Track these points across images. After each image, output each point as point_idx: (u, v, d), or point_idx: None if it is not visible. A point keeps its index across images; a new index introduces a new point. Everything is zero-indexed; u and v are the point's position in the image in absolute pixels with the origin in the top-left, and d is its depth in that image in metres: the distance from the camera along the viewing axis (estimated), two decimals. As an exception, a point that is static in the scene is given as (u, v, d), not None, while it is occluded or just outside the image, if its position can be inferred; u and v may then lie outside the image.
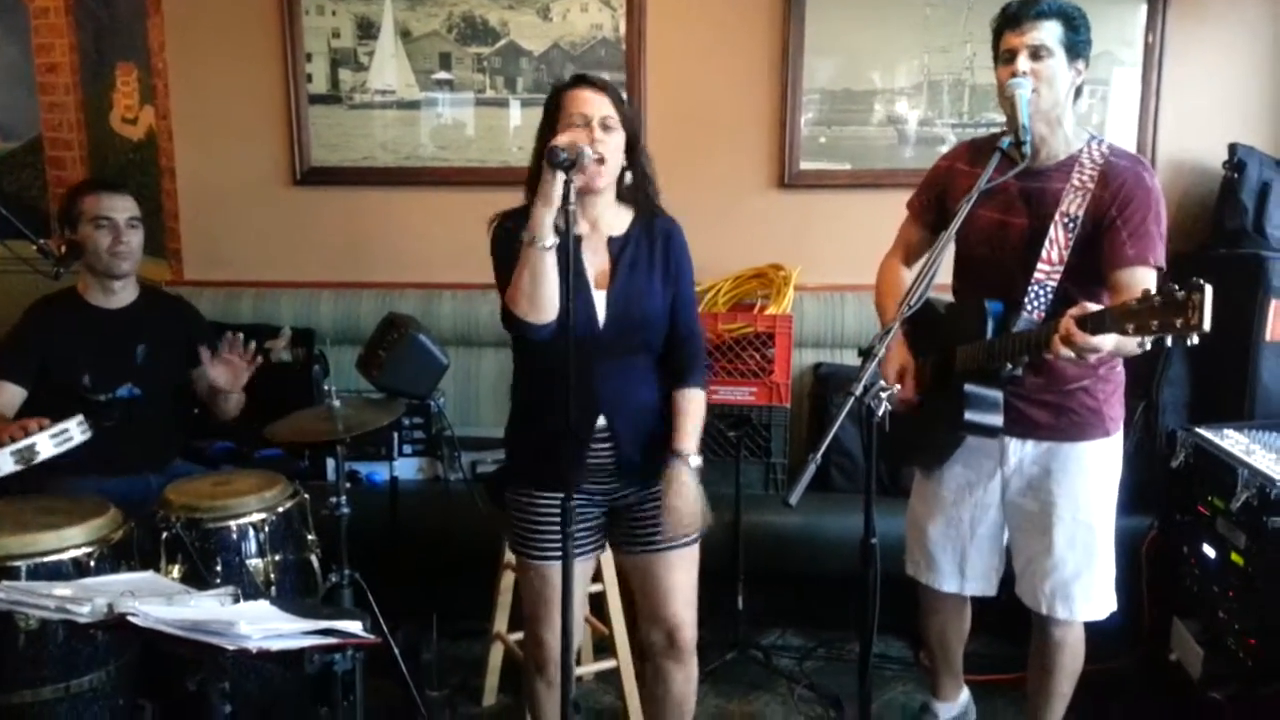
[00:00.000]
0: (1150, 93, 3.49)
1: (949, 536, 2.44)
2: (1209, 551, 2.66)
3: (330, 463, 3.23)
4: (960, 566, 2.45)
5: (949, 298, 2.44)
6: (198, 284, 3.84)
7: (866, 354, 1.85)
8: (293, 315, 3.71)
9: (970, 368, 2.18)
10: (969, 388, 2.18)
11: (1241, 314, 3.00)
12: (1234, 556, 2.54)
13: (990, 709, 2.84)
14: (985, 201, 2.20)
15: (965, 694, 2.71)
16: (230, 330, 2.82)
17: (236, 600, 1.87)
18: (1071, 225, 2.15)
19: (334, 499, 2.61)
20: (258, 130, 3.81)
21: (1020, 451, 2.32)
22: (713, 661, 3.12)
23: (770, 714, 2.96)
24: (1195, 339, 1.58)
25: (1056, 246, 2.15)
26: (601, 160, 2.05)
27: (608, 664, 2.84)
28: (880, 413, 1.78)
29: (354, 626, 1.81)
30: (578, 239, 2.07)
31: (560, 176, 1.86)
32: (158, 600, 1.75)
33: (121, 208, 2.76)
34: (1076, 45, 2.14)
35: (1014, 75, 2.11)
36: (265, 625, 1.71)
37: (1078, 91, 2.22)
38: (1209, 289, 1.55)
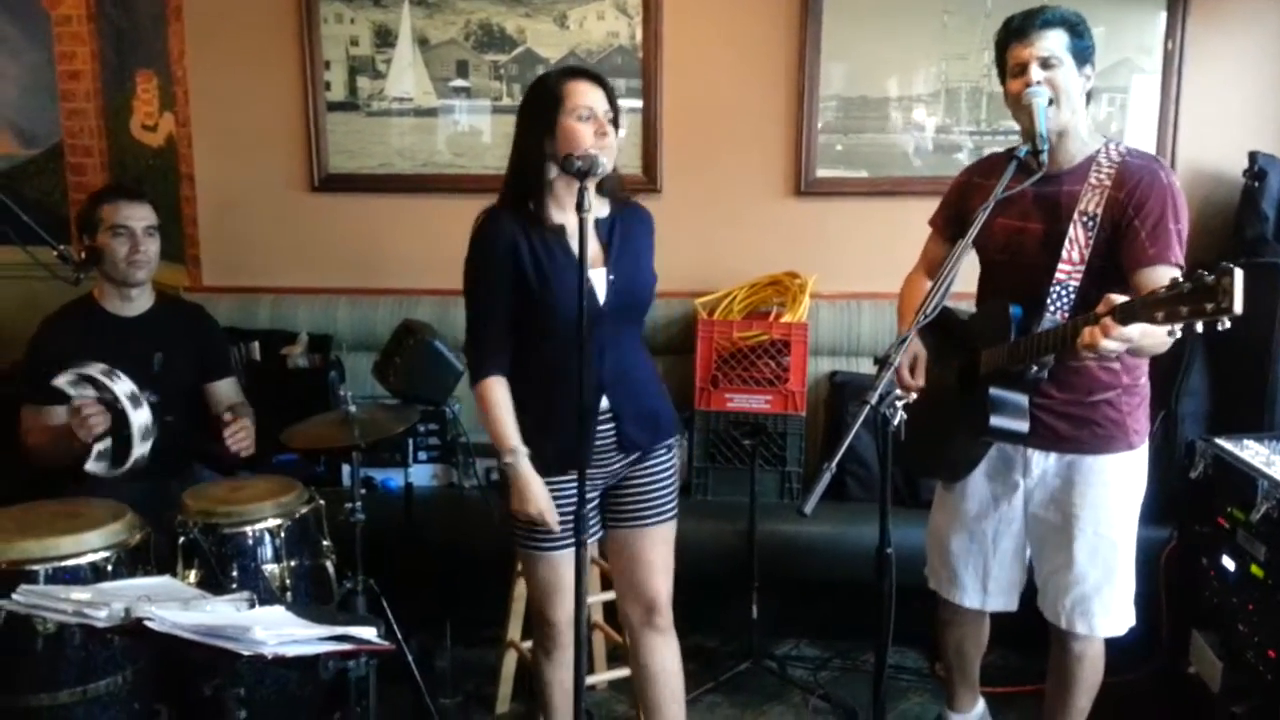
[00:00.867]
0: (1170, 100, 3.47)
1: (971, 551, 2.42)
2: (1228, 564, 2.63)
3: (346, 469, 3.23)
4: (983, 582, 2.43)
5: (971, 309, 2.43)
6: (216, 290, 3.86)
7: (882, 362, 1.85)
8: (309, 321, 3.73)
9: (995, 370, 2.16)
10: (994, 391, 2.16)
11: (1262, 324, 2.97)
12: (1254, 569, 2.51)
13: (1006, 721, 2.83)
14: (1003, 210, 2.20)
15: (981, 705, 2.69)
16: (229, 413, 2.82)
17: (252, 605, 1.87)
18: (1090, 224, 2.14)
19: (349, 505, 2.61)
20: (276, 137, 3.83)
21: (1043, 464, 2.30)
22: (726, 671, 3.11)
23: (784, 724, 2.95)
24: (1227, 323, 1.57)
25: (1077, 246, 2.14)
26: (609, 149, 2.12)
27: (621, 673, 2.84)
28: (895, 421, 1.78)
29: (368, 633, 1.81)
30: (562, 227, 2.17)
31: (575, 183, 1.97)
32: (174, 605, 1.75)
33: (139, 216, 2.77)
34: (1083, 51, 2.15)
35: (1028, 86, 2.11)
36: (280, 631, 1.71)
37: (1089, 97, 2.22)
38: (1239, 272, 1.54)
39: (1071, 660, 2.36)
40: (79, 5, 4.31)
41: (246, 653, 1.66)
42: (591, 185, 1.98)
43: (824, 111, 3.62)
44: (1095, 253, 2.14)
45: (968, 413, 2.24)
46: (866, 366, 3.55)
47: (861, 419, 1.75)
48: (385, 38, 3.76)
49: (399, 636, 2.55)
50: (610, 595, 2.88)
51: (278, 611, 1.87)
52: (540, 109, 2.13)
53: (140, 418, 2.49)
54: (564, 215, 2.18)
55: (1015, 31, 2.17)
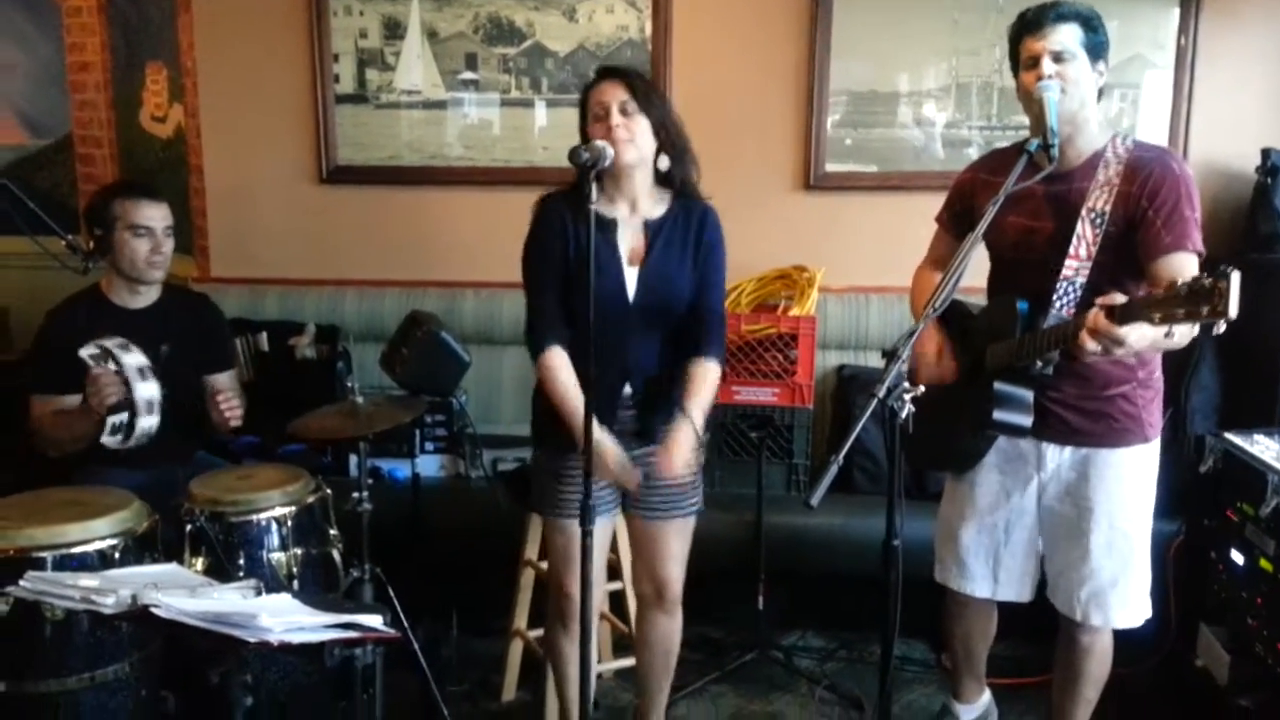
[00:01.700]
0: (1182, 96, 3.46)
1: (981, 542, 2.42)
2: (1237, 557, 2.63)
3: (353, 459, 3.24)
4: (994, 571, 2.43)
5: (981, 301, 2.42)
6: (224, 281, 3.87)
7: (890, 356, 1.84)
8: (317, 312, 3.73)
9: (1000, 365, 2.17)
10: (999, 386, 2.16)
11: (1273, 319, 2.96)
12: (1263, 563, 2.50)
13: (1012, 711, 2.82)
14: (1013, 207, 2.19)
15: (987, 696, 2.69)
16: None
17: (259, 593, 1.88)
18: (1099, 221, 2.13)
19: (356, 495, 2.62)
20: (285, 129, 3.83)
21: (1058, 457, 2.30)
22: (733, 661, 3.11)
23: (790, 714, 2.95)
24: (1222, 327, 1.57)
25: (1084, 242, 2.14)
26: (624, 140, 2.16)
27: (627, 662, 2.84)
28: (903, 415, 1.77)
29: (375, 621, 1.82)
30: (612, 222, 2.25)
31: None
32: (181, 592, 1.75)
33: (160, 217, 2.78)
34: (1096, 47, 2.15)
35: (1039, 79, 2.11)
36: (287, 618, 1.71)
37: (1100, 93, 2.21)
38: (1236, 275, 1.54)
39: (1080, 652, 2.35)
40: (89, -4, 4.32)
41: (253, 640, 1.66)
42: (612, 177, 2.10)
43: (834, 106, 3.60)
44: (1103, 249, 2.14)
45: (972, 406, 2.24)
46: (874, 360, 3.55)
47: (870, 411, 1.75)
48: (394, 30, 3.76)
49: (405, 625, 2.56)
50: (617, 585, 2.89)
51: (284, 599, 1.88)
52: (581, 113, 2.28)
53: (145, 391, 2.55)
54: (614, 209, 2.28)
55: (1029, 24, 2.17)
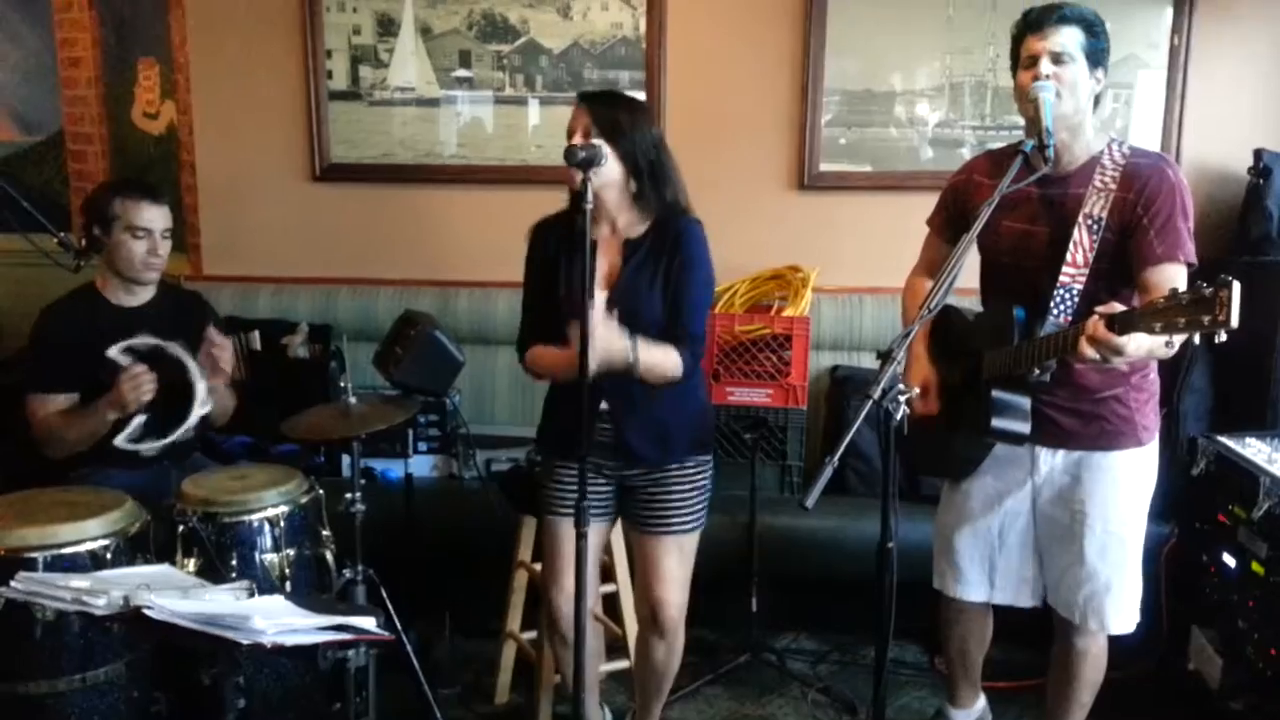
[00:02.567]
0: (1175, 96, 3.46)
1: (976, 546, 2.41)
2: (1229, 560, 2.63)
3: (346, 459, 3.24)
4: (989, 575, 2.42)
5: (976, 306, 2.42)
6: (216, 279, 3.85)
7: (885, 357, 1.84)
8: (310, 311, 3.72)
9: (997, 373, 2.16)
10: (996, 394, 2.15)
11: (1265, 322, 2.97)
12: (1255, 566, 2.51)
13: (1007, 715, 2.82)
14: (1008, 212, 2.19)
15: (982, 700, 2.69)
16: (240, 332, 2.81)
17: (251, 595, 1.87)
18: (1095, 227, 2.13)
19: (349, 495, 2.60)
20: (278, 126, 3.82)
21: (1051, 461, 2.30)
22: (726, 664, 3.11)
23: (783, 717, 2.95)
24: (1223, 335, 1.58)
25: (1081, 249, 2.14)
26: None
27: (620, 664, 2.84)
28: (898, 416, 1.77)
29: (368, 623, 1.81)
30: (592, 244, 2.17)
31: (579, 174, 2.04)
32: (173, 594, 1.75)
33: (160, 219, 2.75)
34: (1097, 52, 2.15)
35: (1036, 79, 2.10)
36: (280, 620, 1.70)
37: (1097, 100, 2.21)
38: (1237, 285, 1.55)
39: (1075, 656, 2.35)
40: (80, -9, 4.30)
41: (245, 642, 1.65)
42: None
43: (828, 105, 3.60)
44: (1100, 256, 2.13)
45: (970, 413, 2.24)
46: (868, 361, 3.55)
47: (864, 413, 1.75)
48: (388, 27, 3.75)
49: (398, 627, 2.55)
50: (611, 588, 2.88)
51: (277, 601, 1.87)
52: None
53: (203, 386, 2.59)
54: (595, 230, 2.28)
55: (1032, 24, 2.16)
